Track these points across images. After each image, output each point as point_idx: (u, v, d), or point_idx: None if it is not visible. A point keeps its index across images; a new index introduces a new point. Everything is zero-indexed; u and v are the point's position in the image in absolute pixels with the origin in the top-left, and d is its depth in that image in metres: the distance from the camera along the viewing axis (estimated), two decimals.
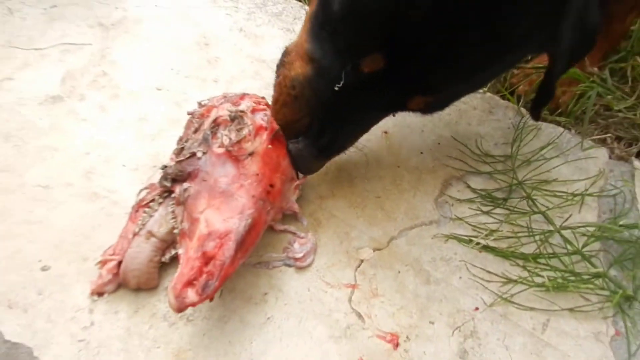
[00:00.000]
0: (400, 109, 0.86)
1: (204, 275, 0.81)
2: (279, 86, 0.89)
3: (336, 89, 0.79)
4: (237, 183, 0.88)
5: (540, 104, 0.94)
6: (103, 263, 0.92)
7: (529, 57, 1.24)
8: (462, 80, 0.81)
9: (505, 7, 0.69)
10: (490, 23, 0.71)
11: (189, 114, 1.00)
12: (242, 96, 0.98)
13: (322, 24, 0.80)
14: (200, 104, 1.00)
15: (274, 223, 0.98)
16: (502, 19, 0.71)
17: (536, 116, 0.96)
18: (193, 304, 0.79)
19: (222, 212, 0.86)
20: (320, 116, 0.85)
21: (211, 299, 0.85)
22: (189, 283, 0.80)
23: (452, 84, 0.81)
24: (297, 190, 0.99)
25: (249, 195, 0.88)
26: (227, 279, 0.84)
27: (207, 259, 0.82)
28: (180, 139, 0.98)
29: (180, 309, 0.79)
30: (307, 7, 1.42)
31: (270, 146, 0.91)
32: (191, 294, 0.79)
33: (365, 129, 0.92)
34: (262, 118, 0.94)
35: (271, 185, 0.91)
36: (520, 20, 0.72)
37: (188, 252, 0.84)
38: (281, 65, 0.90)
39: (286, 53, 0.90)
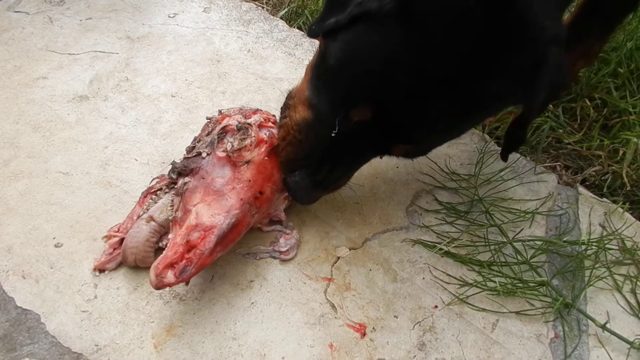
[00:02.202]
0: (385, 153, 0.84)
1: (184, 261, 0.79)
2: (285, 127, 0.86)
3: (332, 135, 0.77)
4: (230, 185, 0.86)
5: (512, 148, 0.92)
6: (108, 237, 0.91)
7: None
8: (442, 134, 0.80)
9: (484, 79, 0.69)
10: (470, 92, 0.70)
11: (207, 118, 0.99)
12: (255, 111, 0.97)
13: (319, 75, 0.79)
14: (220, 112, 0.98)
15: (261, 225, 0.95)
16: (481, 88, 0.70)
17: (505, 158, 0.93)
18: (170, 284, 0.77)
19: (212, 208, 0.84)
20: (318, 156, 0.82)
21: (187, 283, 0.84)
22: (170, 265, 0.78)
23: (432, 136, 0.80)
24: (286, 200, 0.96)
25: (238, 197, 0.85)
26: (204, 267, 0.82)
27: (189, 247, 0.81)
28: (195, 139, 0.96)
29: (158, 286, 0.77)
30: (307, 37, 1.39)
31: (266, 158, 0.89)
32: (170, 275, 0.77)
33: (356, 167, 0.89)
34: (265, 133, 0.92)
35: (260, 192, 0.89)
36: (498, 86, 0.70)
37: (176, 238, 0.82)
38: (286, 107, 0.87)
39: (290, 96, 0.87)
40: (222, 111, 0.98)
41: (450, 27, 0.65)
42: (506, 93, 0.72)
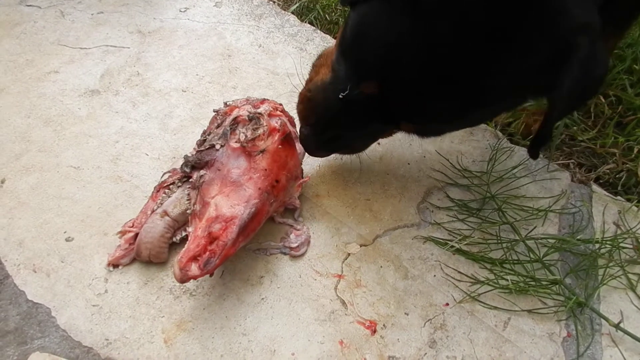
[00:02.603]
0: (394, 127, 0.84)
1: (207, 253, 0.79)
2: (306, 84, 0.88)
3: (340, 97, 0.77)
4: (247, 175, 0.87)
5: (539, 145, 0.90)
6: (122, 233, 0.91)
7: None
8: (448, 121, 0.79)
9: (493, 69, 0.67)
10: (478, 81, 0.68)
11: (214, 111, 0.99)
12: (263, 101, 0.97)
13: (342, 42, 0.79)
14: (225, 104, 0.98)
15: (275, 214, 0.95)
16: (490, 79, 0.68)
17: (535, 155, 0.91)
18: (194, 277, 0.77)
19: (231, 199, 0.85)
20: (324, 116, 0.82)
21: (211, 275, 0.84)
22: (194, 258, 0.79)
23: (436, 122, 0.79)
24: (299, 188, 0.97)
25: (256, 187, 0.86)
26: (227, 258, 0.82)
27: (212, 238, 0.81)
28: (204, 132, 0.96)
29: (183, 280, 0.77)
30: (319, 31, 1.39)
31: (280, 147, 0.90)
32: (194, 268, 0.78)
33: (368, 138, 0.90)
34: (277, 122, 0.92)
35: (277, 181, 0.89)
36: (510, 76, 0.68)
37: (196, 231, 0.82)
38: (313, 66, 0.90)
39: (320, 56, 0.90)
40: (229, 103, 0.98)
41: (460, 14, 0.63)
42: (520, 84, 0.70)
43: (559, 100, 0.71)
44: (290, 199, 0.96)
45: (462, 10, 0.63)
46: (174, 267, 0.78)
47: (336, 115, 0.81)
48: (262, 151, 0.89)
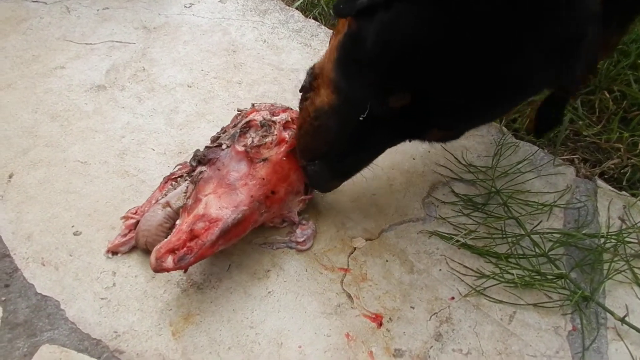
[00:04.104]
0: (417, 138, 0.80)
1: (184, 249, 0.79)
2: (305, 111, 0.82)
3: (361, 119, 0.73)
4: (243, 180, 0.86)
5: (548, 127, 0.89)
6: (125, 218, 0.92)
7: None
8: (480, 117, 0.77)
9: (521, 59, 0.65)
10: (508, 73, 0.67)
11: (238, 110, 0.99)
12: (285, 109, 0.96)
13: (352, 58, 0.74)
14: (252, 105, 0.98)
15: (274, 223, 0.94)
16: (518, 68, 0.66)
17: (541, 136, 0.89)
18: (167, 270, 0.78)
19: (222, 200, 0.84)
20: (341, 143, 0.78)
21: (185, 271, 0.84)
22: (172, 251, 0.79)
23: (470, 120, 0.76)
24: (302, 203, 0.95)
25: (248, 194, 0.85)
26: (203, 258, 0.82)
27: (192, 236, 0.81)
28: (222, 129, 0.96)
29: (157, 269, 0.78)
30: (323, 27, 1.39)
31: (284, 158, 0.89)
32: (169, 261, 0.78)
33: (381, 152, 0.84)
34: (289, 133, 0.91)
35: (273, 192, 0.88)
36: (535, 65, 0.67)
37: (182, 225, 0.82)
38: (309, 88, 0.83)
39: (313, 76, 0.83)
40: (255, 105, 0.98)
41: (497, 8, 0.62)
42: (542, 72, 0.69)
43: (571, 85, 0.73)
44: (288, 212, 0.94)
45: (492, 5, 0.62)
46: (151, 256, 0.78)
47: (355, 138, 0.77)
48: (265, 160, 0.88)
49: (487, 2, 0.61)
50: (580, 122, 1.20)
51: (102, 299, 0.84)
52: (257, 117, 0.92)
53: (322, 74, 0.80)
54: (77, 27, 1.32)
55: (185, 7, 1.42)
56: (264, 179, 0.87)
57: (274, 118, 0.92)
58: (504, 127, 1.18)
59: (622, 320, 0.86)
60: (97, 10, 1.38)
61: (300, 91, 0.87)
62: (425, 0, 0.63)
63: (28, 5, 1.37)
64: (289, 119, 0.93)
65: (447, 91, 0.68)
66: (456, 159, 1.10)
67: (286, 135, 0.90)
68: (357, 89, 0.73)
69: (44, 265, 0.87)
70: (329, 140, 0.79)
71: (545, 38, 0.65)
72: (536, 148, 1.14)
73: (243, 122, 0.92)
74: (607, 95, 1.23)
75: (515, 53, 0.65)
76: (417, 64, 0.66)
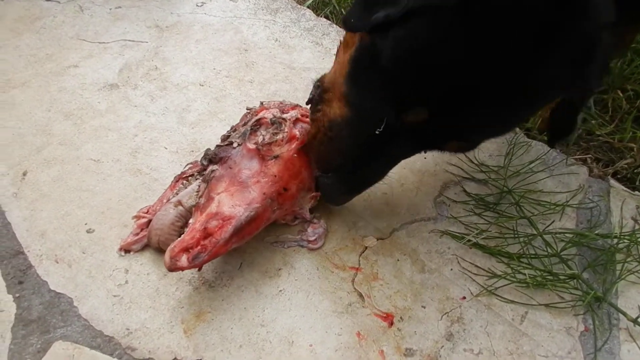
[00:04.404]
0: (435, 149, 0.80)
1: (199, 247, 0.79)
2: (316, 123, 0.83)
3: (377, 132, 0.73)
4: (255, 178, 0.86)
5: (562, 135, 0.88)
6: (137, 217, 0.93)
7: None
8: (498, 129, 0.76)
9: (540, 69, 0.65)
10: (526, 83, 0.66)
11: (247, 109, 0.99)
12: (294, 107, 0.96)
13: (362, 72, 0.73)
14: (261, 103, 0.98)
15: (285, 220, 0.94)
16: (535, 78, 0.66)
17: (554, 144, 0.89)
18: (182, 268, 0.78)
19: (234, 198, 0.84)
20: (355, 156, 0.78)
21: (199, 269, 0.85)
22: (186, 249, 0.79)
23: (488, 131, 0.76)
24: (313, 200, 0.95)
25: (261, 191, 0.85)
26: (217, 256, 0.82)
27: (206, 234, 0.81)
28: (232, 127, 0.96)
29: (171, 268, 0.78)
30: (334, 25, 1.39)
31: (295, 155, 0.89)
32: (183, 259, 0.78)
33: (394, 165, 0.84)
34: (299, 130, 0.91)
35: (285, 189, 0.88)
36: (552, 73, 0.67)
37: (195, 224, 0.82)
38: (320, 100, 0.83)
39: (323, 90, 0.83)
40: (264, 103, 0.98)
41: (516, 20, 0.61)
42: (558, 80, 0.69)
43: (587, 90, 0.72)
44: (300, 209, 0.94)
45: (512, 16, 0.61)
46: (166, 255, 0.78)
47: (370, 150, 0.77)
48: (276, 157, 0.88)
49: (507, 15, 0.61)
50: (593, 122, 1.19)
51: (114, 296, 0.85)
52: (268, 114, 0.93)
53: (334, 88, 0.79)
54: (90, 26, 1.33)
55: (197, 6, 1.42)
56: (275, 176, 0.87)
57: (284, 115, 0.92)
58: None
59: (635, 321, 0.86)
60: (110, 9, 1.39)
61: (308, 103, 0.88)
62: (445, 15, 0.62)
63: (42, 4, 1.38)
64: (299, 116, 0.93)
65: (466, 105, 0.67)
66: (468, 158, 1.09)
67: (297, 132, 0.90)
68: (372, 104, 0.73)
69: (57, 262, 0.88)
70: (343, 150, 0.79)
71: (562, 47, 0.64)
72: (548, 147, 1.13)
73: (253, 120, 0.92)
74: (621, 94, 1.22)
75: (535, 64, 0.64)
76: (436, 80, 0.65)
